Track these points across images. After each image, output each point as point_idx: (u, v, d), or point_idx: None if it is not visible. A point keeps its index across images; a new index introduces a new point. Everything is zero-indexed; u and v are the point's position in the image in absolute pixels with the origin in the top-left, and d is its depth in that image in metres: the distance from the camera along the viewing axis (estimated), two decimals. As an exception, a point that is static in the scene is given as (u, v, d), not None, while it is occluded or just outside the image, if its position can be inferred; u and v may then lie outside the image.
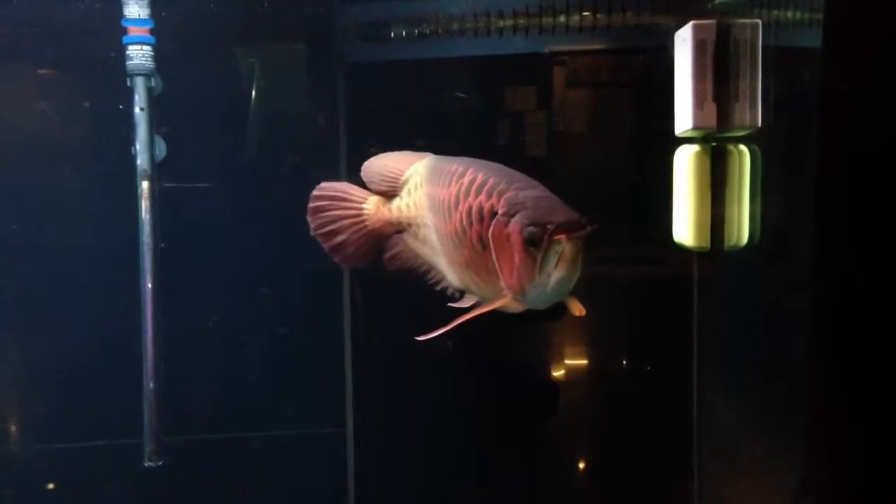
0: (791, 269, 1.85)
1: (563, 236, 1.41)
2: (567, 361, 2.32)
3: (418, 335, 1.55)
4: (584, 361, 2.28)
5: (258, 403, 2.47)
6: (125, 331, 2.26)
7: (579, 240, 1.43)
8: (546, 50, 2.13)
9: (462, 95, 2.33)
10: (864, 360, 1.62)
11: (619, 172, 2.05)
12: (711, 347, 2.11)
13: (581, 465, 2.42)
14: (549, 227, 1.41)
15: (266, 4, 1.99)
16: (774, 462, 1.99)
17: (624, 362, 2.23)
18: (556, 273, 1.44)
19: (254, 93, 2.46)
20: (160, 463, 2.29)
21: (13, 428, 2.43)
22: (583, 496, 2.41)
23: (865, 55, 1.56)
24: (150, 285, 2.27)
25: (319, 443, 2.51)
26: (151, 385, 2.27)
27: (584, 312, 1.58)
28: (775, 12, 1.84)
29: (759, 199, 1.87)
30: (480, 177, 1.55)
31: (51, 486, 2.43)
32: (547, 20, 2.07)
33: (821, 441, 1.71)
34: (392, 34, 2.26)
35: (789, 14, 1.84)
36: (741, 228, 1.87)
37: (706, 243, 1.86)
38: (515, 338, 2.23)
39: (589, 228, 1.42)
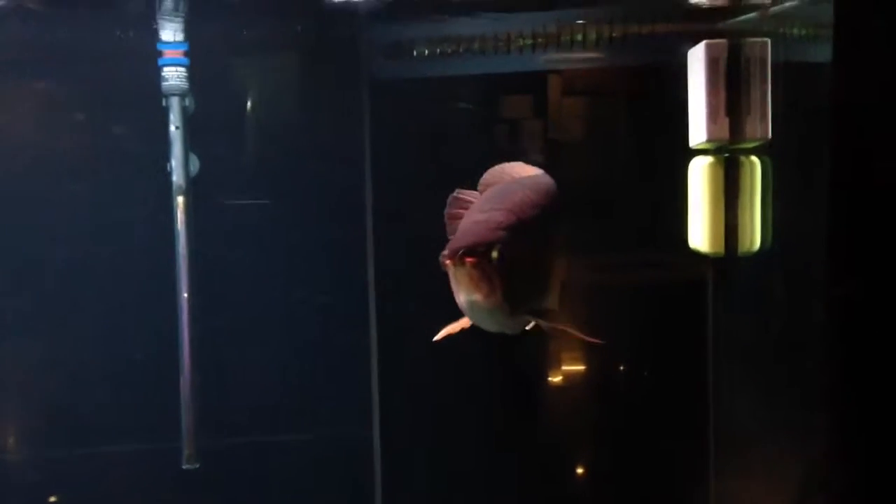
0: (803, 274, 1.87)
1: (449, 263, 1.38)
2: (587, 365, 2.34)
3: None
4: (605, 364, 2.30)
5: (288, 407, 2.48)
6: (164, 339, 2.32)
7: (476, 267, 1.39)
8: (564, 67, 2.17)
9: (466, 105, 2.35)
10: (876, 363, 1.63)
11: (640, 182, 2.08)
12: (727, 350, 2.14)
13: (599, 467, 2.43)
14: (443, 254, 1.40)
15: (300, 28, 2.02)
16: (789, 463, 2.00)
17: (643, 365, 2.25)
18: (461, 298, 1.42)
19: (282, 108, 2.52)
20: (197, 465, 2.35)
21: (57, 432, 2.45)
22: (602, 496, 2.42)
23: (872, 69, 1.58)
24: (185, 294, 2.32)
25: (347, 445, 2.53)
26: (188, 391, 2.34)
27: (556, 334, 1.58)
28: (784, 29, 1.88)
29: (770, 207, 1.90)
30: (477, 200, 1.57)
31: (92, 488, 2.46)
32: (565, 38, 2.11)
33: (833, 441, 1.70)
34: (415, 52, 2.30)
35: (798, 30, 1.87)
36: (753, 235, 1.91)
37: (721, 249, 1.90)
38: (537, 341, 2.26)
39: (469, 259, 1.37)
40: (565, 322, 1.54)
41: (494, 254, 1.39)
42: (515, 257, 1.41)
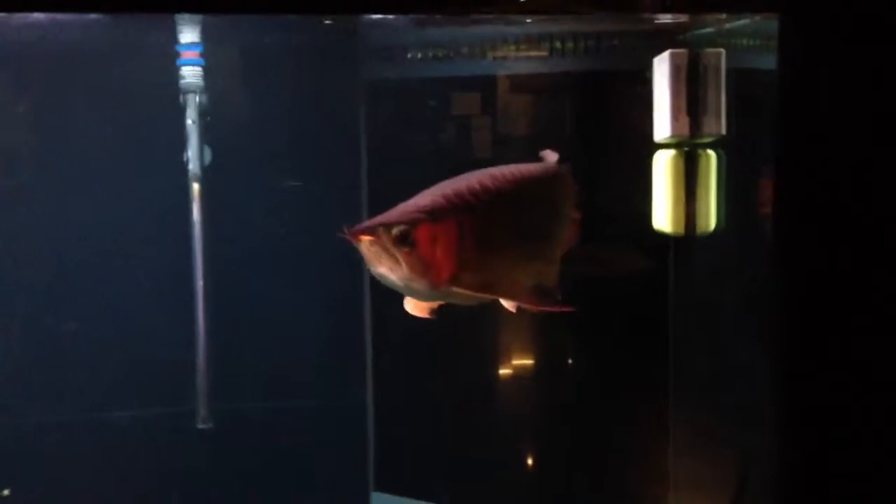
0: (750, 250, 2.03)
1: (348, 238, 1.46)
2: (567, 333, 2.45)
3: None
4: (581, 327, 2.39)
5: (291, 375, 2.63)
6: (182, 313, 2.47)
7: (373, 245, 1.45)
8: (547, 70, 2.31)
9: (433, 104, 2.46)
10: (815, 348, 1.72)
11: (613, 171, 2.24)
12: (684, 315, 2.28)
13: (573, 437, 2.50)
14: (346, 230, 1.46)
15: (318, 35, 2.15)
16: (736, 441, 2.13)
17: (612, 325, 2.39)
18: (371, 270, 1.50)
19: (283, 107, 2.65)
20: (210, 426, 2.51)
21: (84, 397, 2.57)
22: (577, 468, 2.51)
23: (811, 75, 1.69)
24: (201, 271, 2.48)
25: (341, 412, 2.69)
26: (203, 358, 2.50)
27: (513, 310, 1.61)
28: (735, 40, 2.04)
29: (723, 193, 2.02)
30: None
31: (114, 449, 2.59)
32: (544, 45, 2.28)
33: (767, 419, 1.79)
34: (409, 56, 2.43)
35: (748, 42, 2.03)
36: (709, 217, 2.02)
37: (681, 230, 2.01)
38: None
39: (363, 236, 1.43)
40: (524, 295, 1.58)
41: (394, 231, 1.45)
42: (436, 237, 1.47)
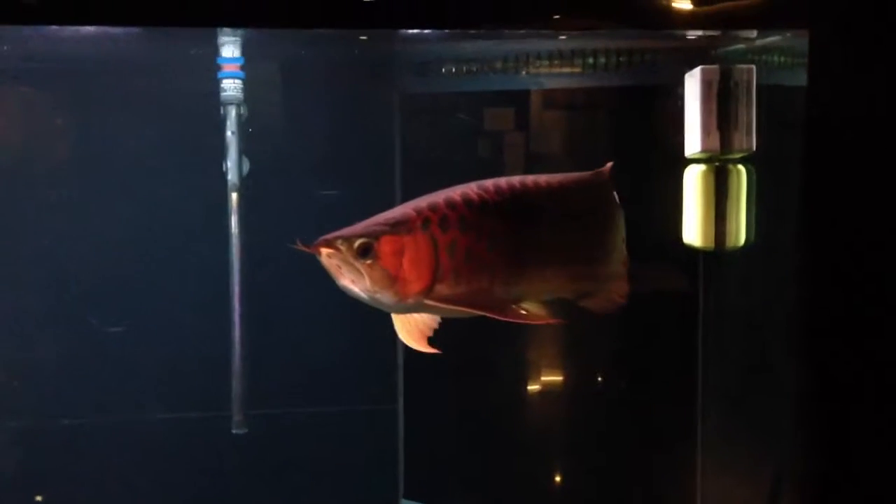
0: (779, 265, 2.01)
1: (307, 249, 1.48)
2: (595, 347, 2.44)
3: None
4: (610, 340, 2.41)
5: (323, 382, 2.66)
6: (219, 320, 2.47)
7: (331, 258, 1.45)
8: (580, 85, 2.32)
9: (463, 118, 2.49)
10: (845, 360, 1.71)
11: (644, 185, 2.21)
12: (714, 329, 2.28)
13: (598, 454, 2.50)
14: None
15: (357, 52, 2.18)
16: (765, 462, 2.12)
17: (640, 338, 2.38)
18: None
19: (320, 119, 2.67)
20: (245, 431, 2.53)
21: (123, 401, 2.61)
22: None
23: (840, 92, 1.70)
24: (238, 279, 2.51)
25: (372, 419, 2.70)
26: (238, 365, 2.48)
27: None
28: (767, 58, 2.05)
29: (753, 209, 2.03)
30: None
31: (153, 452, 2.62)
32: (577, 61, 2.29)
33: (800, 436, 1.79)
34: (443, 71, 2.45)
35: (778, 58, 2.04)
36: (739, 232, 2.02)
37: (711, 244, 2.02)
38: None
39: (323, 248, 1.44)
40: (507, 311, 1.54)
41: (355, 244, 1.45)
42: (403, 249, 1.47)
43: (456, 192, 1.56)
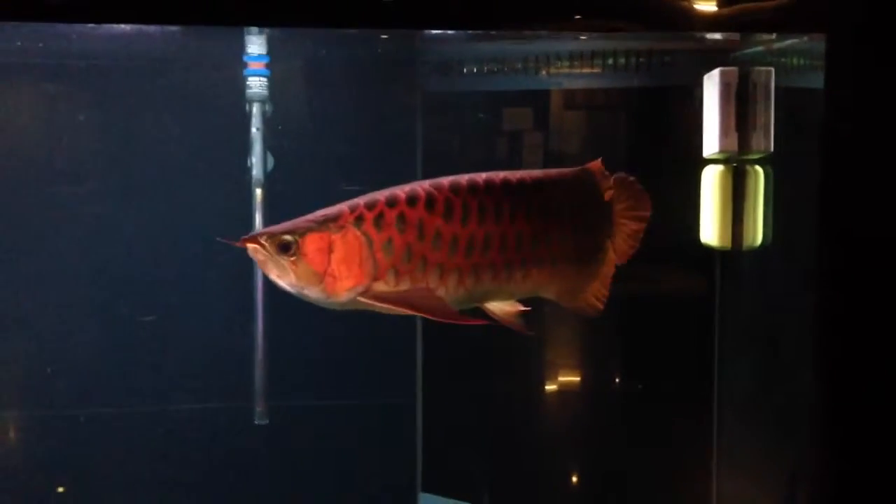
0: (795, 266, 2.02)
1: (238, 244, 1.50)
2: (606, 340, 2.44)
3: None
4: (623, 336, 2.42)
5: (344, 376, 2.66)
6: (242, 313, 2.51)
7: (256, 253, 1.48)
8: (600, 86, 2.33)
9: (482, 116, 2.51)
10: (861, 363, 1.71)
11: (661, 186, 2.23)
12: (731, 327, 2.28)
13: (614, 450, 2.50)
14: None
15: (380, 51, 2.19)
16: (780, 461, 2.13)
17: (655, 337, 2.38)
18: None
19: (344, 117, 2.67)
20: (267, 422, 2.56)
21: (149, 392, 2.63)
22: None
23: (857, 94, 1.71)
24: (261, 273, 2.51)
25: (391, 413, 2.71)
26: (261, 357, 2.53)
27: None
28: (785, 60, 2.04)
29: (770, 209, 2.04)
30: None
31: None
32: (597, 62, 2.30)
33: (816, 435, 1.78)
34: (465, 70, 2.47)
35: (796, 61, 2.03)
36: (756, 231, 2.03)
37: (728, 244, 2.03)
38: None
39: (248, 243, 1.47)
40: (444, 312, 1.49)
41: (278, 241, 1.46)
42: (331, 247, 1.46)
43: (404, 189, 1.53)
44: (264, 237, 1.48)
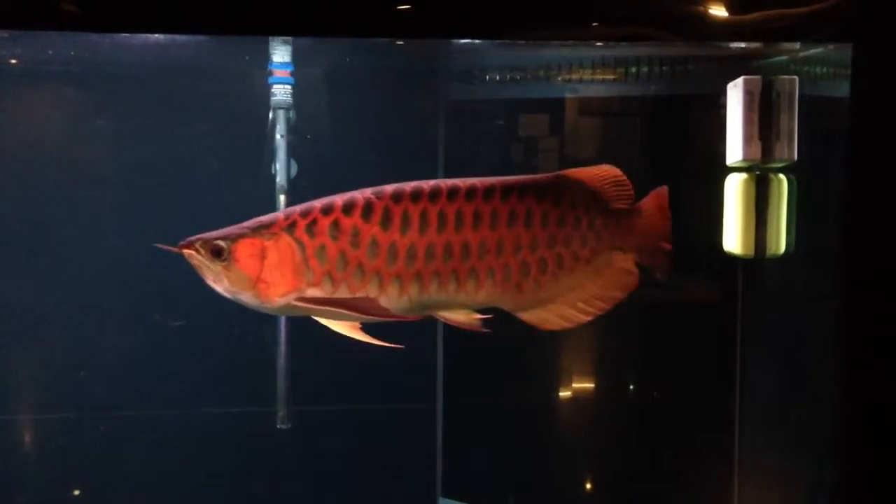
0: (819, 275, 2.00)
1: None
2: (629, 343, 2.43)
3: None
4: (644, 340, 2.41)
5: (365, 381, 2.64)
6: (265, 318, 2.46)
7: (192, 258, 1.52)
8: (623, 94, 2.32)
9: (505, 124, 2.51)
10: (886, 372, 1.71)
11: (684, 195, 2.22)
12: (753, 336, 2.27)
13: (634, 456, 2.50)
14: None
15: (404, 59, 2.19)
16: (802, 471, 2.10)
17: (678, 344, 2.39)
18: None
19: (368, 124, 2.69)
20: (289, 426, 2.57)
21: (176, 395, 2.65)
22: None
23: (883, 103, 1.72)
24: None
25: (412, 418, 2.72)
26: (284, 363, 2.53)
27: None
28: (809, 69, 2.02)
29: (793, 218, 2.02)
30: None
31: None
32: (620, 70, 2.29)
33: (838, 445, 1.78)
34: (487, 78, 2.47)
35: (821, 70, 2.01)
36: (779, 240, 2.01)
37: (751, 252, 2.00)
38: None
39: (184, 249, 1.50)
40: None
41: (210, 246, 1.50)
42: (264, 253, 1.48)
43: (344, 196, 1.54)
44: (198, 243, 1.53)
